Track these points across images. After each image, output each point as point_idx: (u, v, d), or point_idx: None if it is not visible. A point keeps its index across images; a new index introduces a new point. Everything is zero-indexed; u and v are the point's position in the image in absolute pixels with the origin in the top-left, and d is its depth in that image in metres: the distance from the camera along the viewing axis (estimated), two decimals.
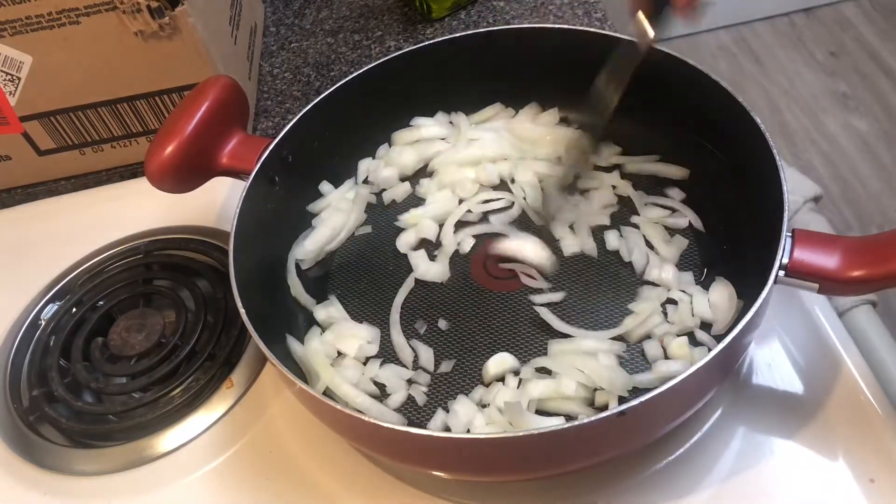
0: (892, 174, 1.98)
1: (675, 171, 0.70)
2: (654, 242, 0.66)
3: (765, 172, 0.57)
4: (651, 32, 0.59)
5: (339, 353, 0.63)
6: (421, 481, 0.60)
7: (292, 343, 0.63)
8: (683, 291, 0.62)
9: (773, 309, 0.63)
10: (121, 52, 0.77)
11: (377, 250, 0.71)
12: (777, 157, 0.56)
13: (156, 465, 0.64)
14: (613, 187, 0.71)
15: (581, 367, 0.58)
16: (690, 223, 0.67)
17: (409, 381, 0.62)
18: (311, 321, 0.66)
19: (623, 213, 0.69)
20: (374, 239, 0.72)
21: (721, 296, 0.61)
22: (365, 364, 0.63)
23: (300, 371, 0.62)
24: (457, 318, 0.65)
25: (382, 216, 0.74)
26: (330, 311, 0.66)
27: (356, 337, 0.64)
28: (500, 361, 0.61)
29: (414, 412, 0.61)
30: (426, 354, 0.63)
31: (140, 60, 0.78)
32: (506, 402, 0.57)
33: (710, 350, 0.49)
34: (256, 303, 0.58)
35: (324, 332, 0.65)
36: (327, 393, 0.60)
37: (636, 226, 0.68)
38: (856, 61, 2.24)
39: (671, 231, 0.67)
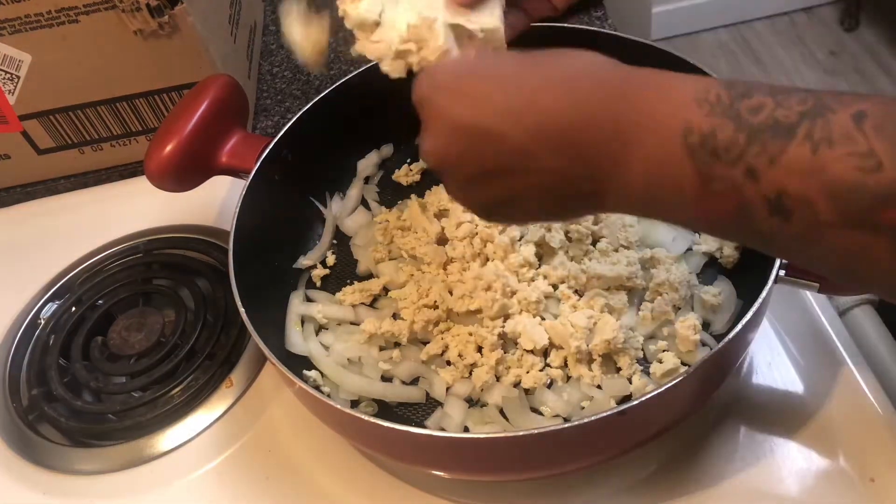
0: None
1: None
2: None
3: None
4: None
5: (339, 352, 0.63)
6: (421, 481, 0.60)
7: (294, 339, 0.63)
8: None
9: (773, 309, 0.63)
10: (120, 50, 0.76)
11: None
12: None
13: (155, 465, 0.64)
14: None
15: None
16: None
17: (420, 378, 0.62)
18: (312, 320, 0.66)
19: None
20: None
21: (721, 295, 0.61)
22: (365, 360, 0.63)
23: (300, 370, 0.61)
24: None
25: None
26: (330, 310, 0.66)
27: (357, 334, 0.64)
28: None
29: (414, 411, 0.61)
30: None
31: (139, 59, 0.77)
32: (505, 400, 0.57)
33: (710, 350, 0.48)
34: (256, 302, 0.58)
35: (324, 330, 0.66)
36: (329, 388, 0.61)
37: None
38: (856, 61, 2.24)
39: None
